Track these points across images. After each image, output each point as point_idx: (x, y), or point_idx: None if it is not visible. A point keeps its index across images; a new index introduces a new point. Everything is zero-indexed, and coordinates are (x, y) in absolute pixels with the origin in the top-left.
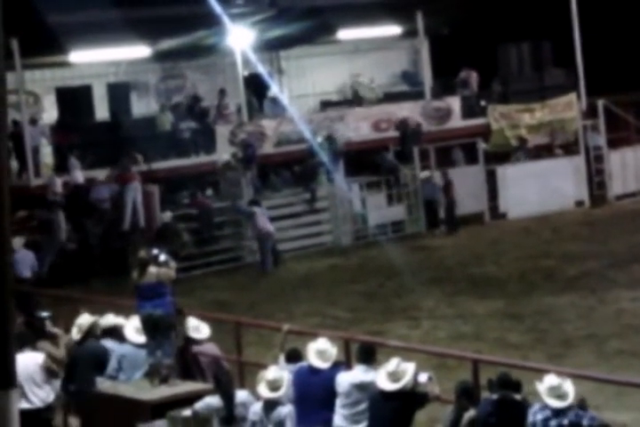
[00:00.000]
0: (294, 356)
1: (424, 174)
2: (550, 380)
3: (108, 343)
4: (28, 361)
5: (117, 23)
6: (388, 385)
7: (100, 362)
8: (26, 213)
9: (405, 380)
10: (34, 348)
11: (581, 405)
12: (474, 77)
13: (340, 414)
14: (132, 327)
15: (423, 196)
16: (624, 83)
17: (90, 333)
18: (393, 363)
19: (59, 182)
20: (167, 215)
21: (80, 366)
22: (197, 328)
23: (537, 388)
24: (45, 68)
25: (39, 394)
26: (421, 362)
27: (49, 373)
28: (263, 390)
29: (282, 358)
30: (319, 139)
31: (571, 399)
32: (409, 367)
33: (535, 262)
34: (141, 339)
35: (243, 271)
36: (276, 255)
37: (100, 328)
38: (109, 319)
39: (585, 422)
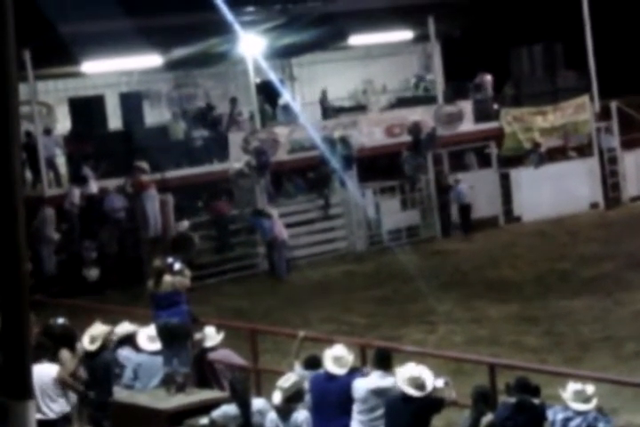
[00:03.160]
0: (313, 362)
1: (455, 178)
2: (574, 385)
3: (124, 352)
4: (43, 374)
5: (129, 33)
6: (413, 391)
7: (112, 372)
8: None
9: (430, 385)
10: (53, 358)
11: (600, 411)
12: (488, 81)
13: (357, 420)
14: (145, 336)
15: (454, 200)
16: (637, 84)
17: (105, 344)
18: (412, 368)
19: (77, 193)
20: (184, 224)
21: (97, 377)
22: (210, 337)
23: (561, 395)
24: (58, 79)
25: (53, 407)
26: (438, 367)
27: (63, 386)
28: (277, 398)
29: (297, 365)
30: (336, 134)
31: (595, 402)
32: (426, 372)
33: (551, 265)
34: (154, 347)
35: (258, 279)
36: (287, 263)
37: (117, 337)
38: (125, 327)
39: (601, 425)
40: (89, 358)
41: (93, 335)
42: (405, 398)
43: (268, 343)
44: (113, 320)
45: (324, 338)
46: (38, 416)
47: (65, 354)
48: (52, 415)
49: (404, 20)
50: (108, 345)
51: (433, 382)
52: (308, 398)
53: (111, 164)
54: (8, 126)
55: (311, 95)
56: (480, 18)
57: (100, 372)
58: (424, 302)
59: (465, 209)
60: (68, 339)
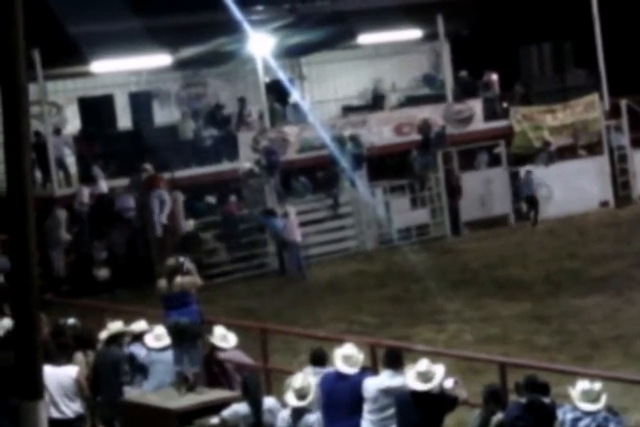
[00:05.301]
0: (320, 358)
1: (527, 169)
2: (582, 384)
3: (135, 350)
4: (63, 374)
5: (138, 32)
6: (419, 385)
7: (121, 369)
8: None
9: (437, 380)
10: (69, 360)
11: (610, 410)
12: (494, 80)
13: (367, 419)
14: (152, 335)
15: (524, 192)
16: None
17: (114, 339)
18: (423, 363)
19: (86, 193)
20: (190, 223)
21: (104, 376)
22: (225, 337)
23: (569, 393)
24: (67, 79)
25: (71, 406)
26: (448, 366)
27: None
28: (291, 399)
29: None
30: (346, 133)
31: (603, 402)
32: (439, 368)
33: (561, 264)
34: (161, 344)
35: (268, 278)
36: (298, 262)
37: (131, 334)
38: (140, 325)
39: (612, 426)
40: (98, 354)
41: (108, 329)
42: (417, 397)
43: (278, 343)
44: (122, 320)
45: (334, 337)
46: (57, 416)
47: (79, 357)
48: (70, 415)
49: (412, 18)
50: (120, 341)
51: (442, 378)
52: (318, 396)
53: (121, 163)
54: (18, 126)
55: (321, 94)
56: (489, 16)
57: (108, 368)
58: (434, 301)
59: (534, 200)
60: (83, 342)
